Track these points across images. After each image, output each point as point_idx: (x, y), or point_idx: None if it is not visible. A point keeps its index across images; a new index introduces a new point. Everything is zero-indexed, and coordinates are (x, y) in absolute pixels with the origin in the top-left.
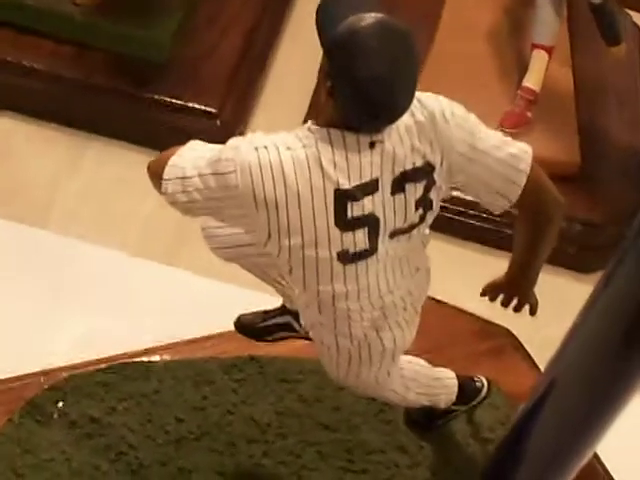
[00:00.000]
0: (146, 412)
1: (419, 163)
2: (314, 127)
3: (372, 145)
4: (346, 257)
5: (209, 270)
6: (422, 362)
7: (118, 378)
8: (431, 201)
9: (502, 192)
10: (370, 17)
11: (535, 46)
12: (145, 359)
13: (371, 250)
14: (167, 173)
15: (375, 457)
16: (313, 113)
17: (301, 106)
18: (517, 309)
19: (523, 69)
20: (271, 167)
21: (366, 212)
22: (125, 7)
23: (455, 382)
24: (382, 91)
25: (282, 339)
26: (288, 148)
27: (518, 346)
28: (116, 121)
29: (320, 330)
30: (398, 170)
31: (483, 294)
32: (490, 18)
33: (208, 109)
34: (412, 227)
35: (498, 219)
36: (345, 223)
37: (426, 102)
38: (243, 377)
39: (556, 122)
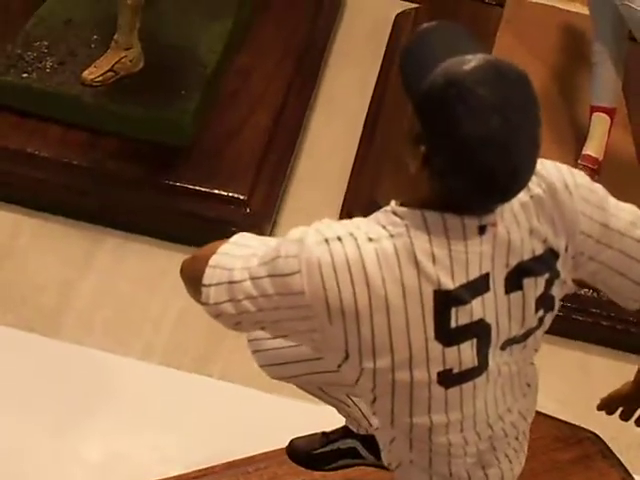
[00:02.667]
0: None
1: (539, 250)
2: (401, 209)
3: (482, 230)
4: (449, 379)
5: (249, 379)
6: None
7: None
8: (553, 299)
9: None
10: (475, 58)
11: (595, 109)
12: None
13: (480, 368)
14: (208, 277)
15: None
16: (352, 197)
17: (337, 188)
18: None
19: (581, 135)
20: (348, 265)
21: (475, 319)
22: (139, 87)
23: None
24: (498, 154)
25: (344, 468)
26: (370, 239)
27: (607, 453)
28: (133, 213)
29: (409, 469)
30: (514, 261)
31: (601, 408)
32: (539, 79)
33: (236, 195)
34: (528, 334)
35: (568, 304)
36: (448, 335)
37: (543, 172)
38: None
39: (623, 193)
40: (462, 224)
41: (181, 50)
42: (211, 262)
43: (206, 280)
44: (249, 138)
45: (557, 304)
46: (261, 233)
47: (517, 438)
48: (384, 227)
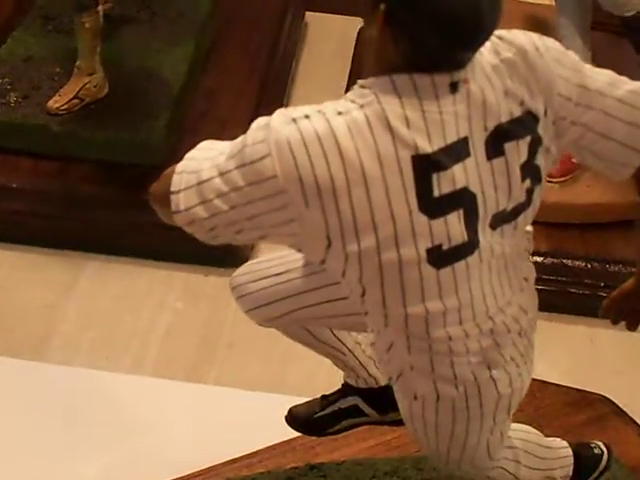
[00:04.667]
0: None
1: (517, 112)
2: (369, 80)
3: (454, 87)
4: (440, 256)
5: (243, 382)
6: (530, 429)
7: None
8: (538, 169)
9: (629, 142)
10: None
11: None
12: None
13: (471, 244)
14: (176, 183)
15: None
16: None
17: None
18: None
19: None
20: (319, 139)
21: (458, 187)
22: (106, 112)
23: (569, 452)
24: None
25: (349, 429)
26: (339, 113)
27: (620, 412)
28: (112, 234)
29: (411, 378)
30: (492, 124)
31: (604, 314)
32: None
33: None
34: (518, 211)
35: (563, 278)
36: (433, 205)
37: (511, 37)
38: None
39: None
40: (432, 83)
41: (145, 74)
42: (177, 169)
43: (174, 187)
44: None
45: (544, 176)
46: None
47: (520, 334)
48: (353, 101)
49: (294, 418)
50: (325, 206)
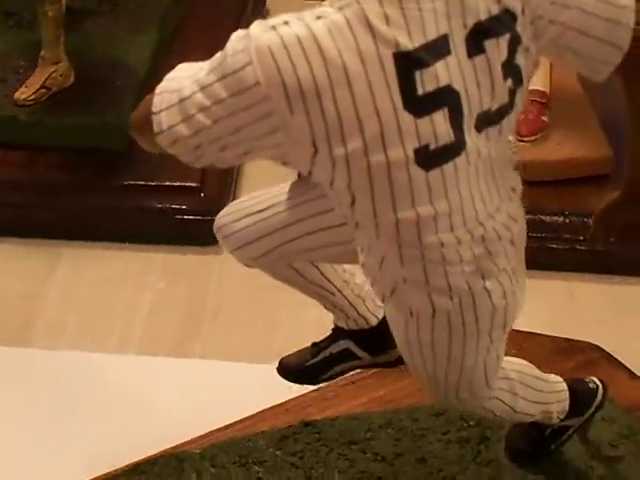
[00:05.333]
0: None
1: (495, 10)
2: None
3: None
4: (427, 157)
5: (229, 353)
6: (523, 361)
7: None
8: (519, 69)
9: (607, 38)
10: None
11: None
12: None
13: (458, 145)
14: (157, 104)
15: None
16: None
17: None
18: None
19: None
20: (300, 41)
21: (442, 84)
22: (73, 99)
23: (565, 386)
24: None
25: (341, 374)
26: (318, 17)
27: (610, 357)
28: (86, 220)
29: (405, 292)
30: (471, 21)
31: (594, 233)
32: None
33: (188, 184)
34: (502, 113)
35: (543, 235)
36: (417, 103)
37: None
38: (301, 448)
39: (574, 120)
40: None
41: (110, 62)
42: (157, 90)
43: (155, 108)
44: None
45: (525, 79)
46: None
47: (512, 242)
48: (331, 5)
49: (285, 368)
50: (309, 109)
